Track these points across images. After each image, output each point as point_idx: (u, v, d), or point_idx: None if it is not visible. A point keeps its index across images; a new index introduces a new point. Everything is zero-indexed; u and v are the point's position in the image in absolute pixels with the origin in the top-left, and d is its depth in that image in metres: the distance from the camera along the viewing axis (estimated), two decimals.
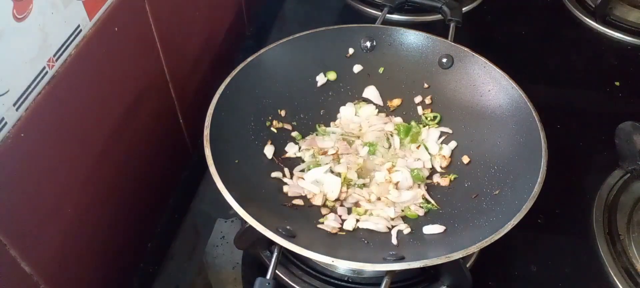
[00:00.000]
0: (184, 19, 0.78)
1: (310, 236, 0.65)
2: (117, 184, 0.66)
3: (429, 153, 0.77)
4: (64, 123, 0.54)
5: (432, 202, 0.71)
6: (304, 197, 0.71)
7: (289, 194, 0.71)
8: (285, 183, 0.73)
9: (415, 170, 0.75)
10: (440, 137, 0.79)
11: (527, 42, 1.07)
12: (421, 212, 0.70)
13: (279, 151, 0.76)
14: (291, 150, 0.77)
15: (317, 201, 0.70)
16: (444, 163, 0.76)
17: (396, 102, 0.83)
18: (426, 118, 0.81)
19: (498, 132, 0.73)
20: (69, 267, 0.59)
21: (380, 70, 0.84)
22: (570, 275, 0.71)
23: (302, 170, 0.75)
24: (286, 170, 0.74)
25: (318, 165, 0.74)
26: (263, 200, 0.68)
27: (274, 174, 0.73)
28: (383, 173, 0.74)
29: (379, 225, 0.67)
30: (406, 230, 0.67)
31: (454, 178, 0.74)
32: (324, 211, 0.70)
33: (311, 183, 0.72)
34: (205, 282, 0.73)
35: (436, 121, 0.80)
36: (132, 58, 0.65)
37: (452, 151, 0.77)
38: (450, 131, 0.79)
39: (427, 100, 0.82)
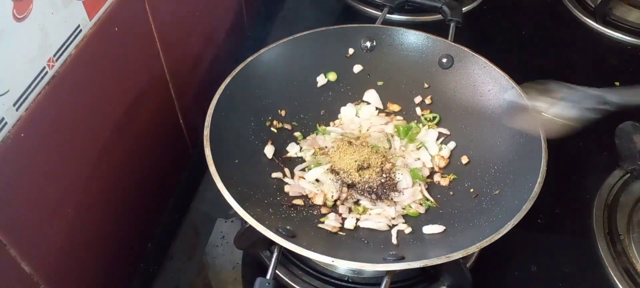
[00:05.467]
0: (184, 19, 0.78)
1: (310, 236, 0.65)
2: (117, 184, 0.66)
3: (429, 154, 0.77)
4: (64, 123, 0.54)
5: (431, 199, 0.71)
6: (304, 197, 0.71)
7: (291, 194, 0.71)
8: (286, 183, 0.73)
9: (415, 170, 0.75)
10: (438, 138, 0.79)
11: (527, 42, 1.07)
12: (422, 210, 0.70)
13: (279, 151, 0.76)
14: (292, 150, 0.77)
15: (318, 200, 0.70)
16: (443, 164, 0.76)
17: (396, 107, 0.83)
18: (425, 119, 0.81)
19: (498, 131, 0.73)
20: (69, 267, 0.59)
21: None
22: (570, 275, 0.71)
23: (303, 169, 0.75)
24: (286, 170, 0.74)
25: (319, 164, 0.74)
26: (263, 200, 0.68)
27: (275, 174, 0.73)
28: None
29: (380, 224, 0.67)
30: (407, 230, 0.67)
31: (454, 178, 0.74)
32: (324, 210, 0.70)
33: (311, 183, 0.72)
34: (205, 282, 0.73)
35: (435, 122, 0.80)
36: (132, 58, 0.65)
37: (452, 151, 0.77)
38: (448, 132, 0.79)
39: (427, 100, 0.82)
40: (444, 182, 0.74)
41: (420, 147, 0.78)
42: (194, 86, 0.83)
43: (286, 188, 0.72)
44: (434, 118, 0.81)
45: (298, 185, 0.72)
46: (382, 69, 0.84)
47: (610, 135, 0.83)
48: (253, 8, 1.06)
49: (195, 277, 0.73)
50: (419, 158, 0.77)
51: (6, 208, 0.47)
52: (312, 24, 0.83)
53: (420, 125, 0.81)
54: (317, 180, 0.73)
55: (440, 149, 0.77)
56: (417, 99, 0.83)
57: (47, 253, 0.54)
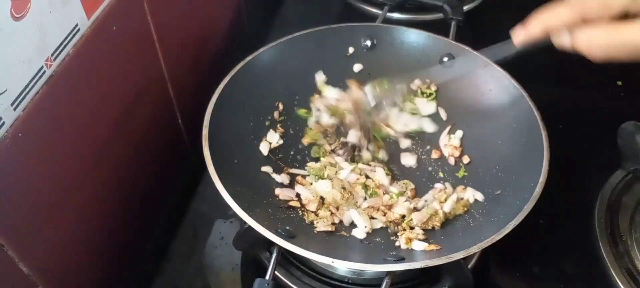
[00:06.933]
0: (182, 18, 0.77)
1: (309, 236, 0.64)
2: (115, 184, 0.66)
3: (425, 131, 0.77)
4: (62, 123, 0.54)
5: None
6: (299, 200, 0.70)
7: (281, 198, 0.69)
8: (277, 183, 0.71)
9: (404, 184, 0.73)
10: (442, 132, 0.78)
11: None
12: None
13: (274, 150, 0.76)
14: (272, 138, 0.75)
15: (312, 207, 0.69)
16: (457, 153, 0.75)
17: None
18: (422, 93, 0.80)
19: (500, 131, 0.73)
20: (67, 267, 0.59)
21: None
22: (572, 276, 0.71)
23: (305, 176, 0.72)
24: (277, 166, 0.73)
25: (321, 173, 0.72)
26: (262, 200, 0.67)
27: (264, 168, 0.72)
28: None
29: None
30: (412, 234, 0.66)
31: (464, 175, 0.73)
32: (322, 213, 0.68)
33: (307, 189, 0.70)
34: (204, 283, 0.72)
35: (432, 97, 0.80)
36: (131, 57, 0.65)
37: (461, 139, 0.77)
38: (444, 117, 0.78)
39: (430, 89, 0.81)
40: (459, 209, 0.68)
41: (415, 114, 0.77)
42: (193, 85, 0.83)
43: (276, 191, 0.70)
44: (431, 94, 0.80)
45: (289, 189, 0.70)
46: (383, 68, 0.83)
47: (612, 135, 0.82)
48: (252, 7, 1.06)
49: (193, 278, 0.73)
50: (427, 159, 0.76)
51: (4, 209, 0.47)
52: (311, 23, 0.82)
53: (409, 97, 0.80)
54: (316, 191, 0.70)
55: (449, 139, 0.77)
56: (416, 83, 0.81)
57: (45, 254, 0.54)
